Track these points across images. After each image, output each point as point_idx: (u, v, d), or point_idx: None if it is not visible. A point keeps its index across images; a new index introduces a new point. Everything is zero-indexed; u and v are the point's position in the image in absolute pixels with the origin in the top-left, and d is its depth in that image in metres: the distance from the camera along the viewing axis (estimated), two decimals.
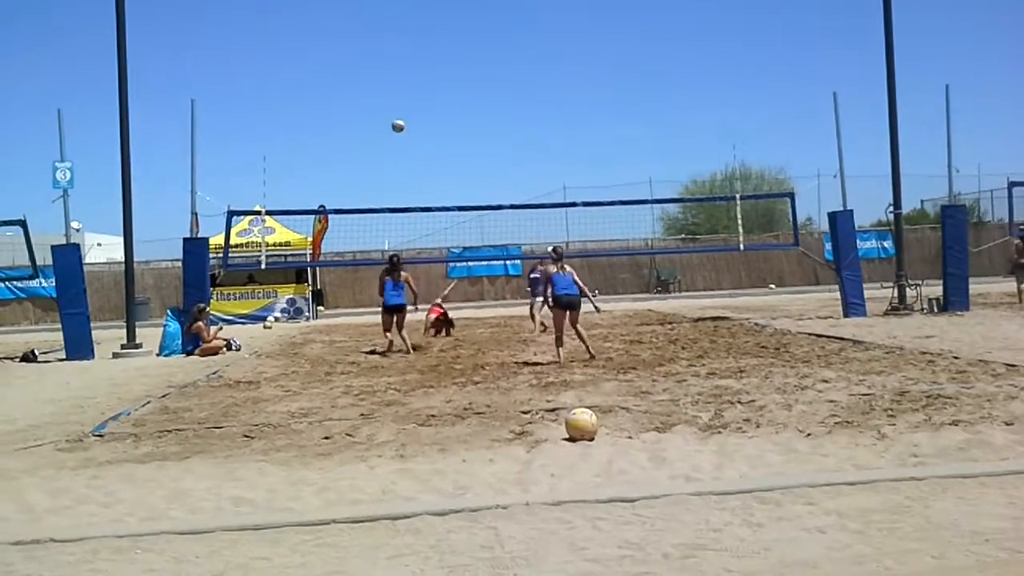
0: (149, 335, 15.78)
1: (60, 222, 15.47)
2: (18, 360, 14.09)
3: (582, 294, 11.04)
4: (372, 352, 12.82)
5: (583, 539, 3.78)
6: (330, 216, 20.69)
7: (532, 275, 16.12)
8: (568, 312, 10.87)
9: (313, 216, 21.96)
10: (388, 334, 12.88)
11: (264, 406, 7.93)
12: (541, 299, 15.48)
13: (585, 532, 3.88)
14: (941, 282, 16.41)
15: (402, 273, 13.00)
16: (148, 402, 8.44)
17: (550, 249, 12.03)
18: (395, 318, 12.87)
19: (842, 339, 11.69)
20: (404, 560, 3.62)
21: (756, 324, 15.05)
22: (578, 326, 10.95)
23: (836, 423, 6.02)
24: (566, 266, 11.07)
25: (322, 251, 25.14)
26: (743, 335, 13.18)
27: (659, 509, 4.17)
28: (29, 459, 5.95)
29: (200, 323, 13.88)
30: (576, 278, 11.00)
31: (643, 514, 4.10)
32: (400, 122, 14.91)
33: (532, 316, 15.82)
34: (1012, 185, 18.93)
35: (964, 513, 3.95)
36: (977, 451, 5.13)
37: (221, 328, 14.36)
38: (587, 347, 10.84)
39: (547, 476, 4.94)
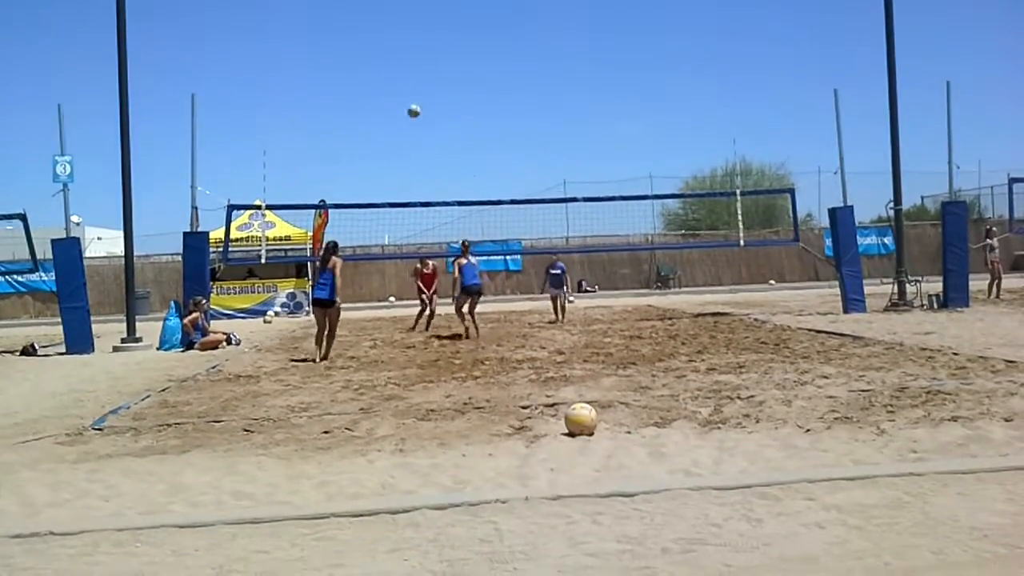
0: (149, 329, 15.77)
1: (60, 216, 15.50)
2: (18, 354, 14.10)
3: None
4: (304, 360, 11.22)
5: (582, 533, 3.78)
6: (330, 210, 20.68)
7: (552, 270, 16.54)
8: (471, 299, 13.48)
9: (313, 211, 21.97)
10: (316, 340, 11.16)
11: (264, 400, 7.93)
12: (564, 290, 16.14)
13: (584, 526, 3.88)
14: (941, 278, 16.41)
15: (332, 259, 11.03)
16: (148, 396, 8.44)
17: (460, 242, 14.22)
18: (325, 316, 10.98)
19: (842, 335, 11.69)
20: (403, 554, 3.62)
21: (756, 320, 15.06)
22: (474, 312, 13.66)
23: (835, 419, 6.03)
24: (472, 258, 13.48)
25: (322, 245, 25.12)
26: (743, 331, 13.18)
27: (658, 504, 4.17)
28: (29, 453, 5.96)
29: (193, 315, 13.85)
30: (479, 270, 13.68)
31: (642, 509, 4.10)
32: (416, 107, 14.73)
33: (555, 309, 16.65)
34: (1012, 181, 18.96)
35: (963, 509, 3.95)
36: (976, 447, 5.13)
37: (201, 325, 14.09)
38: (476, 330, 13.44)
39: (546, 471, 4.93)
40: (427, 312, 15.74)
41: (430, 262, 16.30)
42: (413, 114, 14.64)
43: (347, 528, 4.00)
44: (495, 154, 74.41)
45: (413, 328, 15.61)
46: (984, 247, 18.81)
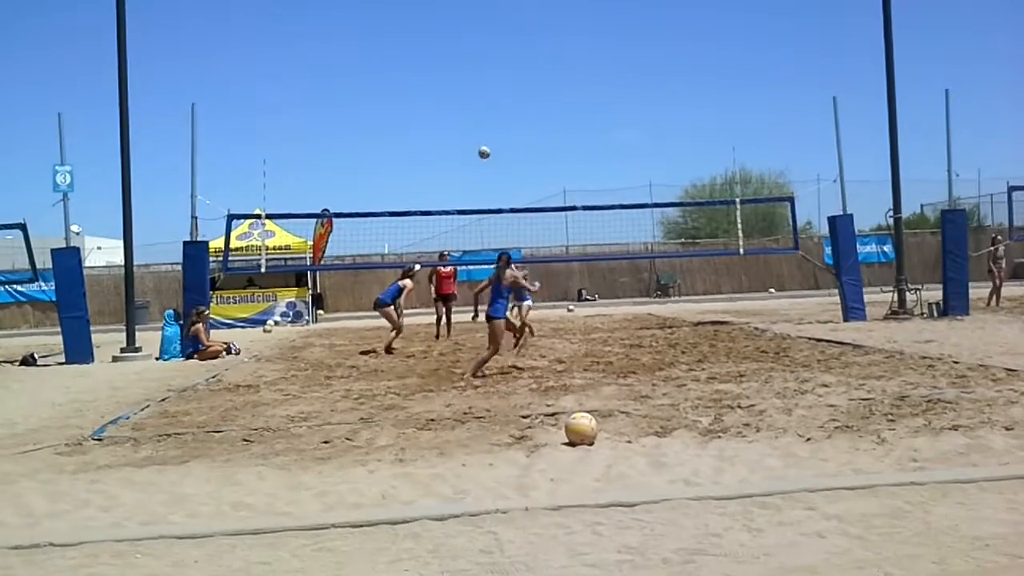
0: (149, 339, 15.77)
1: (60, 225, 15.50)
2: (17, 364, 14.07)
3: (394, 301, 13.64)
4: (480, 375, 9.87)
5: (582, 544, 3.77)
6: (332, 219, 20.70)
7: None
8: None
9: (315, 220, 21.99)
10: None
11: (263, 410, 7.92)
12: (527, 302, 15.18)
13: (584, 537, 3.87)
14: (941, 286, 16.41)
15: (508, 272, 10.09)
16: (147, 406, 8.43)
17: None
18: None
19: (842, 343, 11.68)
20: (403, 565, 3.61)
21: (756, 328, 15.04)
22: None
23: (836, 428, 6.02)
24: (407, 280, 13.55)
25: (325, 254, 25.12)
26: (743, 339, 13.17)
27: (659, 514, 4.16)
28: (28, 463, 5.95)
29: (199, 326, 13.86)
30: (404, 289, 13.55)
31: (643, 519, 4.09)
32: (485, 148, 14.98)
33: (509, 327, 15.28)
34: (1012, 189, 18.96)
35: (964, 518, 3.94)
36: (977, 456, 5.13)
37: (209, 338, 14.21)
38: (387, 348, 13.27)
39: (547, 481, 4.93)
40: (442, 319, 15.66)
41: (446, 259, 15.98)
42: (484, 155, 14.89)
43: (347, 539, 3.99)
44: (494, 162, 74.44)
45: (437, 337, 15.40)
46: (989, 254, 18.77)
